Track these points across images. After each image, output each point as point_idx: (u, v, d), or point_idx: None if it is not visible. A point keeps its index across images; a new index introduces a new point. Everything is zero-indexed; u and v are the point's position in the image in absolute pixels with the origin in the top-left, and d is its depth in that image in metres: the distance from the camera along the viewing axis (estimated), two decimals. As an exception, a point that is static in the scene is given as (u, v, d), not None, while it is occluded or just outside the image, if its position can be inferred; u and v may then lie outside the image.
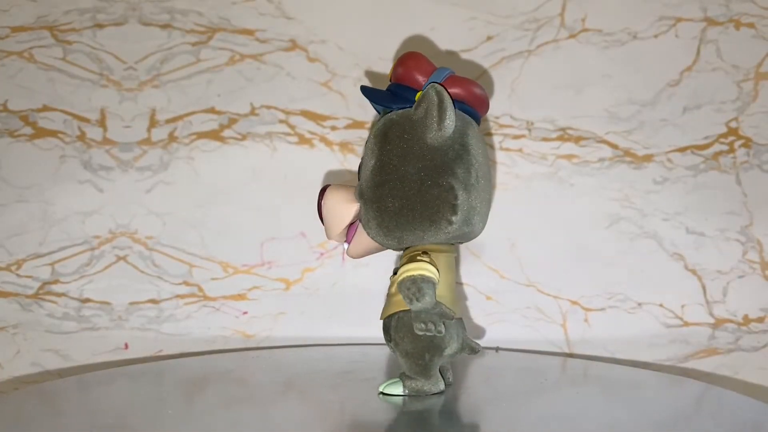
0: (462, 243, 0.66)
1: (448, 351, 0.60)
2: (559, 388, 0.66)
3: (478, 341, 0.82)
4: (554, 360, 0.78)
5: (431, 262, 0.59)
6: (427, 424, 0.55)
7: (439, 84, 0.60)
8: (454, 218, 0.59)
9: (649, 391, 0.66)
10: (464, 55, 0.82)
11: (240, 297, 0.82)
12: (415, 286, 0.58)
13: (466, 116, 0.62)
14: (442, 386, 0.61)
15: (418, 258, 0.59)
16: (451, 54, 0.82)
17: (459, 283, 0.82)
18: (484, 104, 0.64)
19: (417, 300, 0.58)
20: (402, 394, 0.60)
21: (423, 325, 0.59)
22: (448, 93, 0.60)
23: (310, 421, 0.57)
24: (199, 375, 0.70)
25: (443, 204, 0.59)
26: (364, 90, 0.63)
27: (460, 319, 0.62)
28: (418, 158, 0.59)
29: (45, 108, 0.81)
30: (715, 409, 0.61)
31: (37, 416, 0.57)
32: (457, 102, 0.61)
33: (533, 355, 0.81)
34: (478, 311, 0.82)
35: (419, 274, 0.58)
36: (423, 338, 0.59)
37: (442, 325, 0.59)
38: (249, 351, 0.81)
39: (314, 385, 0.65)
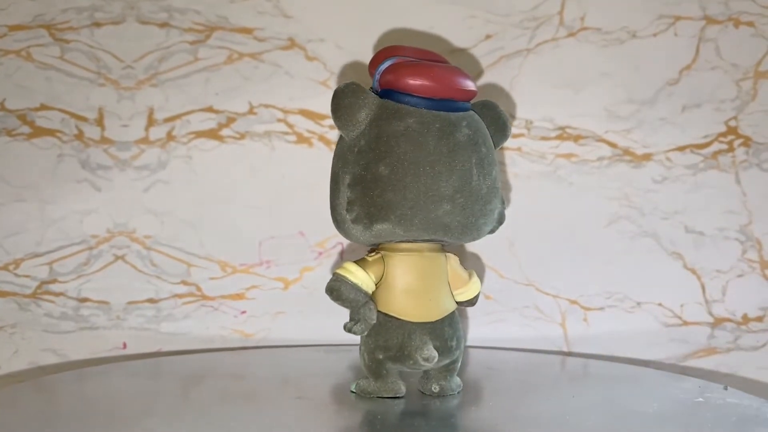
0: (432, 242, 0.60)
1: (411, 358, 0.58)
2: (559, 386, 0.66)
3: (476, 342, 0.82)
4: (553, 358, 0.78)
5: (361, 261, 0.60)
6: (426, 423, 0.55)
7: (380, 76, 0.60)
8: (348, 216, 0.58)
9: (649, 387, 0.66)
10: (463, 54, 0.82)
11: (238, 296, 0.82)
12: (329, 284, 0.59)
13: (391, 106, 0.58)
14: (398, 391, 0.60)
15: (364, 257, 0.61)
16: (450, 53, 0.82)
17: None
18: (425, 88, 0.58)
19: (331, 297, 0.59)
20: (352, 390, 0.61)
21: (349, 323, 0.59)
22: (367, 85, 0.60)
23: (308, 418, 0.57)
24: (196, 372, 0.70)
25: (341, 202, 0.59)
26: None
27: (439, 326, 0.59)
28: (338, 157, 0.61)
29: (42, 107, 0.81)
30: (715, 406, 0.61)
31: (34, 409, 0.57)
32: (393, 91, 0.59)
33: (532, 353, 0.81)
34: (477, 310, 0.82)
35: (333, 273, 0.60)
36: (376, 337, 0.59)
37: (361, 326, 0.59)
38: (247, 350, 0.81)
39: (312, 384, 0.65)
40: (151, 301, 0.82)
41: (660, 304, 0.82)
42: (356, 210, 0.58)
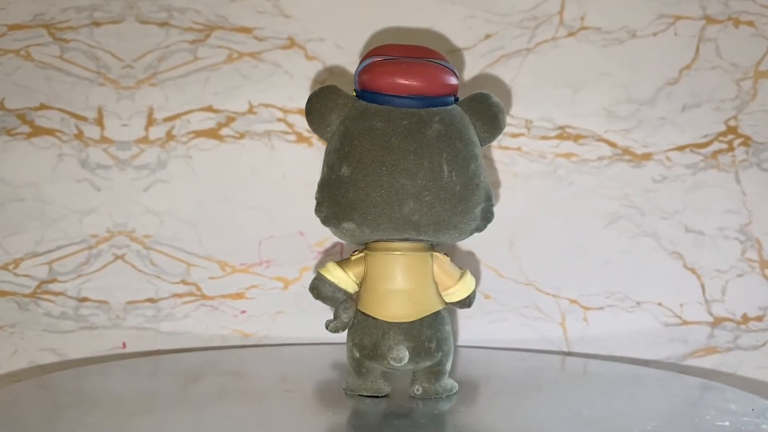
0: (397, 240, 0.60)
1: (384, 358, 0.58)
2: (558, 386, 0.66)
3: (475, 342, 0.82)
4: (553, 358, 0.78)
5: (344, 260, 0.61)
6: (425, 422, 0.55)
7: (357, 77, 0.61)
8: (318, 216, 0.60)
9: (649, 387, 0.66)
10: (462, 54, 0.82)
11: (238, 296, 0.82)
12: (311, 282, 0.61)
13: (360, 106, 0.59)
14: (378, 391, 0.60)
15: (348, 257, 0.62)
16: (450, 52, 0.82)
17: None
18: (394, 86, 0.59)
19: (313, 296, 0.61)
20: (344, 388, 0.62)
21: (327, 321, 0.61)
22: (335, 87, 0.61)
23: (299, 415, 0.57)
24: (196, 369, 0.70)
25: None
26: None
27: (417, 326, 0.59)
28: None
29: (42, 106, 0.81)
30: (715, 405, 0.61)
31: (34, 407, 0.57)
32: (367, 91, 0.60)
33: (532, 353, 0.81)
34: (476, 310, 0.82)
35: (316, 272, 0.62)
36: (354, 335, 0.60)
37: (335, 324, 0.60)
38: (247, 348, 0.81)
39: (311, 382, 0.65)
40: (150, 300, 0.81)
41: (660, 304, 0.82)
42: (324, 210, 0.59)
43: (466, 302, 0.62)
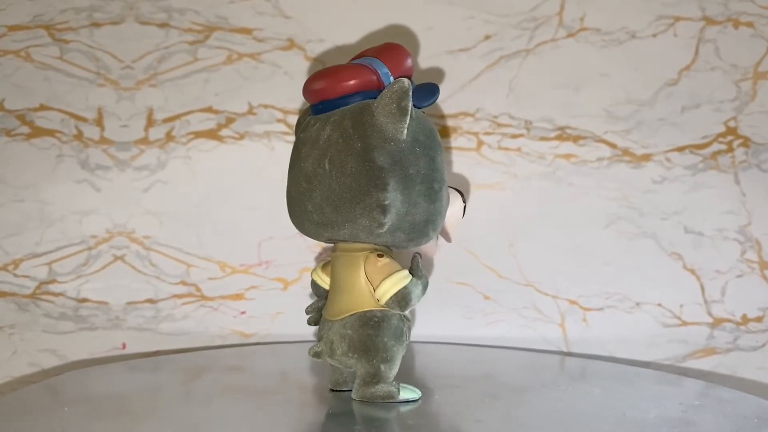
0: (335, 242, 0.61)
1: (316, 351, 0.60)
2: (558, 386, 0.66)
3: (474, 343, 0.82)
4: (552, 359, 0.78)
5: (324, 262, 0.64)
6: (424, 421, 0.55)
7: None
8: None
9: (649, 387, 0.66)
10: (462, 55, 0.82)
11: (238, 297, 0.82)
12: None
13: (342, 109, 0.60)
14: (334, 384, 0.62)
15: None
16: (450, 53, 0.82)
17: (458, 283, 0.82)
18: (307, 96, 0.61)
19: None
20: None
21: None
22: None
23: (305, 415, 0.57)
24: (197, 367, 0.70)
25: None
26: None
27: (336, 323, 0.59)
28: None
29: (42, 107, 0.81)
30: (715, 406, 0.61)
31: (38, 408, 0.57)
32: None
33: (532, 353, 0.81)
34: (475, 311, 0.82)
35: None
36: None
37: (308, 319, 0.64)
38: (247, 346, 0.81)
39: (310, 380, 0.65)
40: (150, 301, 0.81)
41: (659, 305, 0.82)
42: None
43: (399, 303, 0.58)
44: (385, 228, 0.57)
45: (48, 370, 0.81)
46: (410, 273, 0.59)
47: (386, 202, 0.56)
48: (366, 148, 0.57)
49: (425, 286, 0.59)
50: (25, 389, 0.65)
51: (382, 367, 0.58)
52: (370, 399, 0.59)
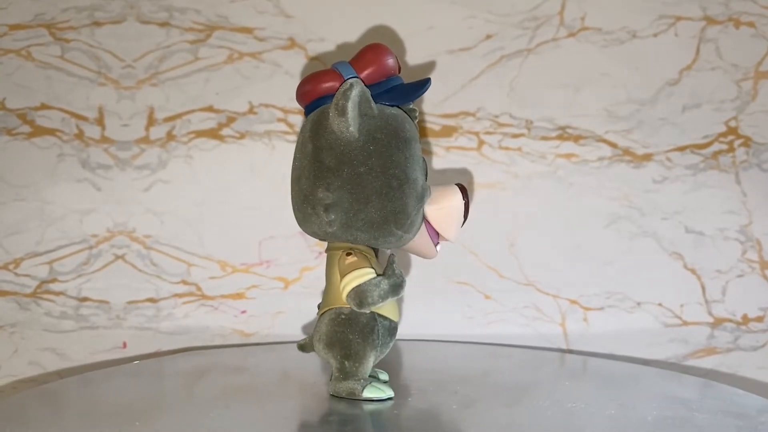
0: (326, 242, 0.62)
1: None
2: (558, 386, 0.66)
3: (474, 342, 0.82)
4: (553, 358, 0.78)
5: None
6: (423, 420, 0.55)
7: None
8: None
9: (649, 387, 0.66)
10: (463, 54, 0.82)
11: (238, 296, 0.82)
12: None
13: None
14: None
15: None
16: (450, 53, 0.82)
17: (459, 283, 0.82)
18: (299, 100, 0.62)
19: None
20: None
21: None
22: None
23: (305, 414, 0.57)
24: (197, 367, 0.70)
25: None
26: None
27: (319, 321, 0.61)
28: None
29: (43, 106, 0.81)
30: (715, 404, 0.61)
31: (38, 414, 0.57)
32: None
33: (532, 350, 0.81)
34: (476, 310, 0.82)
35: None
36: None
37: None
38: (248, 346, 0.81)
39: (310, 380, 0.65)
40: (151, 300, 0.82)
41: (660, 304, 0.82)
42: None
43: (355, 300, 0.58)
44: (335, 227, 0.58)
45: (48, 370, 0.81)
46: (383, 273, 0.59)
47: (328, 201, 0.58)
48: (315, 148, 0.59)
49: (396, 287, 0.58)
50: (25, 391, 0.65)
51: (347, 363, 0.59)
52: (336, 394, 0.59)
